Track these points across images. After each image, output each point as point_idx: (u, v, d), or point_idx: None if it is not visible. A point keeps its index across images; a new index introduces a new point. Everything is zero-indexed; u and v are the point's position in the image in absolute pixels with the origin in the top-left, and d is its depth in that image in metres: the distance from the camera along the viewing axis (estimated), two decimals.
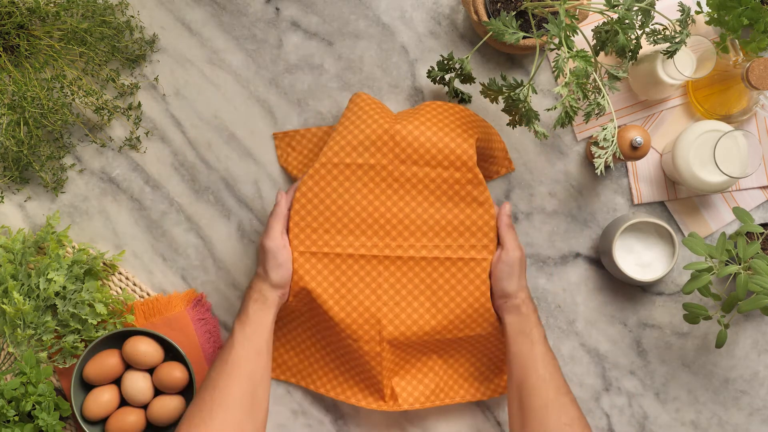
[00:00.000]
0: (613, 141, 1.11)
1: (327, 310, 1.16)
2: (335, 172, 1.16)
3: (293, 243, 1.17)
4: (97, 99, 1.22)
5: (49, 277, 1.17)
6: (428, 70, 1.21)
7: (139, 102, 1.26)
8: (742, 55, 1.22)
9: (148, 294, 1.26)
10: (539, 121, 1.10)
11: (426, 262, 1.17)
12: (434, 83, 1.22)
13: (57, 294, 1.19)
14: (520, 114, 1.10)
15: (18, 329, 1.18)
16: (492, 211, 1.17)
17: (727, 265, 1.11)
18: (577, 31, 1.05)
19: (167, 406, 1.20)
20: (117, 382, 1.23)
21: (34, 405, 1.17)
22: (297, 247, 1.16)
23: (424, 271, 1.18)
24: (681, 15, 1.09)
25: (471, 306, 1.17)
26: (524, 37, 1.07)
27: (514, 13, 1.17)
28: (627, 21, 1.04)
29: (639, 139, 1.16)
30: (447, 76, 1.24)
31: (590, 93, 1.09)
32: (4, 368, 1.22)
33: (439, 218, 1.17)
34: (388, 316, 1.17)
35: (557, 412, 1.08)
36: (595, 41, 1.07)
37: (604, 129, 1.11)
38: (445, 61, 1.19)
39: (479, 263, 1.17)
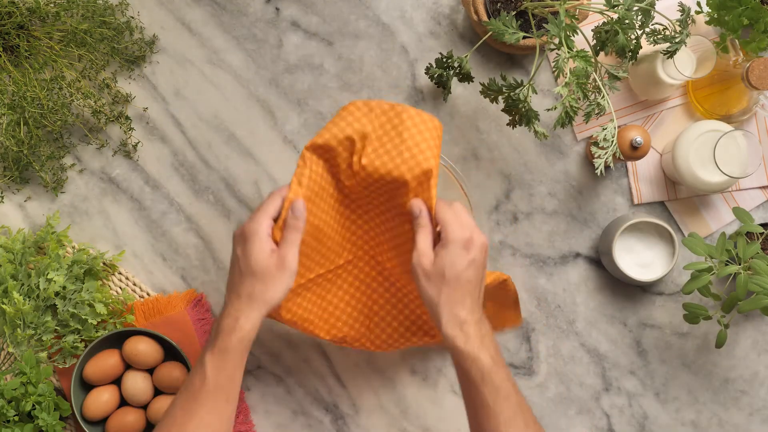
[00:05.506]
0: (613, 141, 1.11)
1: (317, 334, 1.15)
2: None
3: None
4: (95, 102, 1.22)
5: (49, 277, 1.17)
6: (426, 66, 1.21)
7: (127, 116, 1.25)
8: (742, 55, 1.22)
9: (148, 294, 1.26)
10: (539, 121, 1.10)
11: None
12: (431, 80, 1.22)
13: (57, 294, 1.19)
14: (520, 114, 1.10)
15: (18, 329, 1.17)
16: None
17: (727, 265, 1.11)
18: (577, 31, 1.05)
19: (167, 406, 1.20)
20: (117, 382, 1.22)
21: (34, 405, 1.17)
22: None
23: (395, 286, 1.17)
24: (681, 15, 1.09)
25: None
26: (524, 37, 1.07)
27: (514, 13, 1.17)
28: (627, 21, 1.04)
29: (639, 139, 1.16)
30: (444, 74, 1.24)
31: (590, 93, 1.09)
32: (4, 368, 1.22)
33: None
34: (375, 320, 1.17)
35: None
36: (595, 41, 1.07)
37: (604, 129, 1.11)
38: (444, 59, 1.19)
39: None
